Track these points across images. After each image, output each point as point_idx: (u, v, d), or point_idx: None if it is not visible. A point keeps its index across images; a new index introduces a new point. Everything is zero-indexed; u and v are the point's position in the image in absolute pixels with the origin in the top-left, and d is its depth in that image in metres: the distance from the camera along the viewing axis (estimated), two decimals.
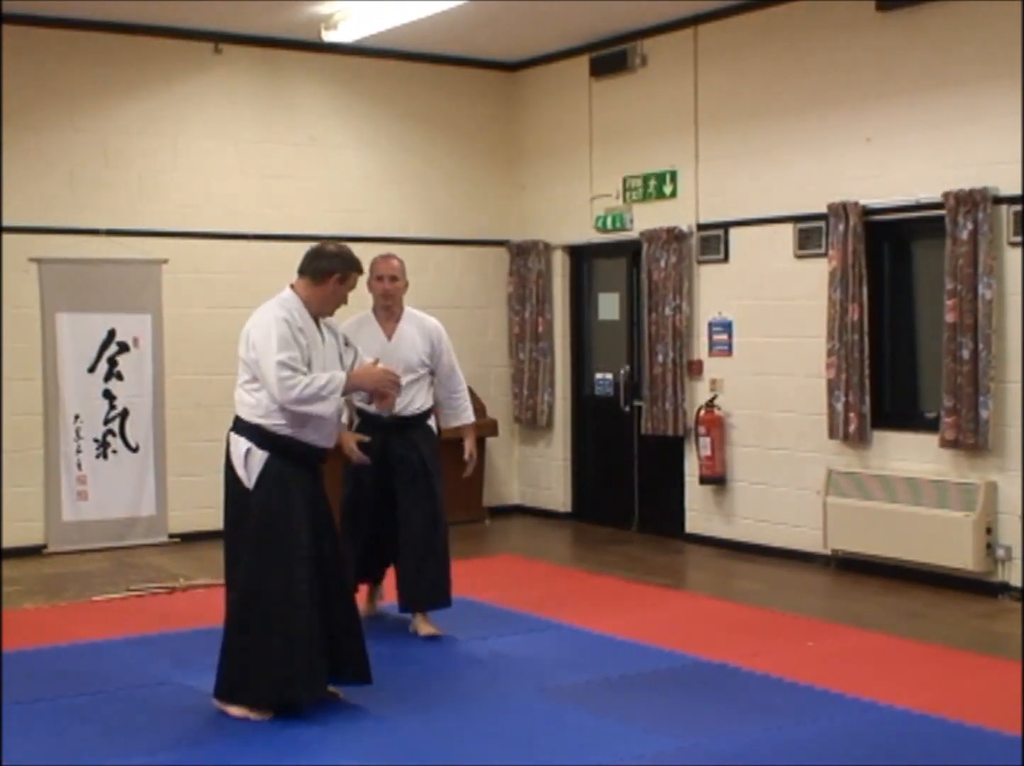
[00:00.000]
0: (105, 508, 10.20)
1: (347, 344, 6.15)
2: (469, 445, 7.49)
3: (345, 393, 5.86)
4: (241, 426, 5.84)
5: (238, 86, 10.81)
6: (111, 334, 10.22)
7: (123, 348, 10.26)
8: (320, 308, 5.96)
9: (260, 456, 5.77)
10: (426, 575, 7.23)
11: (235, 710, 5.78)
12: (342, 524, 7.03)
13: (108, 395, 10.22)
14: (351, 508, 7.37)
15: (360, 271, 6.09)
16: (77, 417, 10.09)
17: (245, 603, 5.77)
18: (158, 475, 10.42)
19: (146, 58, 10.40)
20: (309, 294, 5.92)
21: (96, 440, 10.18)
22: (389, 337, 7.26)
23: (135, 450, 10.31)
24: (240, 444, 5.81)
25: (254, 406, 5.80)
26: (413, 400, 7.23)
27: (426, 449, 7.29)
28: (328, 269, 5.93)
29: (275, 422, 5.77)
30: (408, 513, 7.24)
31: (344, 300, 6.05)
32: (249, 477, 5.79)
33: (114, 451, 10.23)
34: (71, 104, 10.17)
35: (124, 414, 10.27)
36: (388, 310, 7.29)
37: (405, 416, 7.21)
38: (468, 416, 7.51)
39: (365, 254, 11.02)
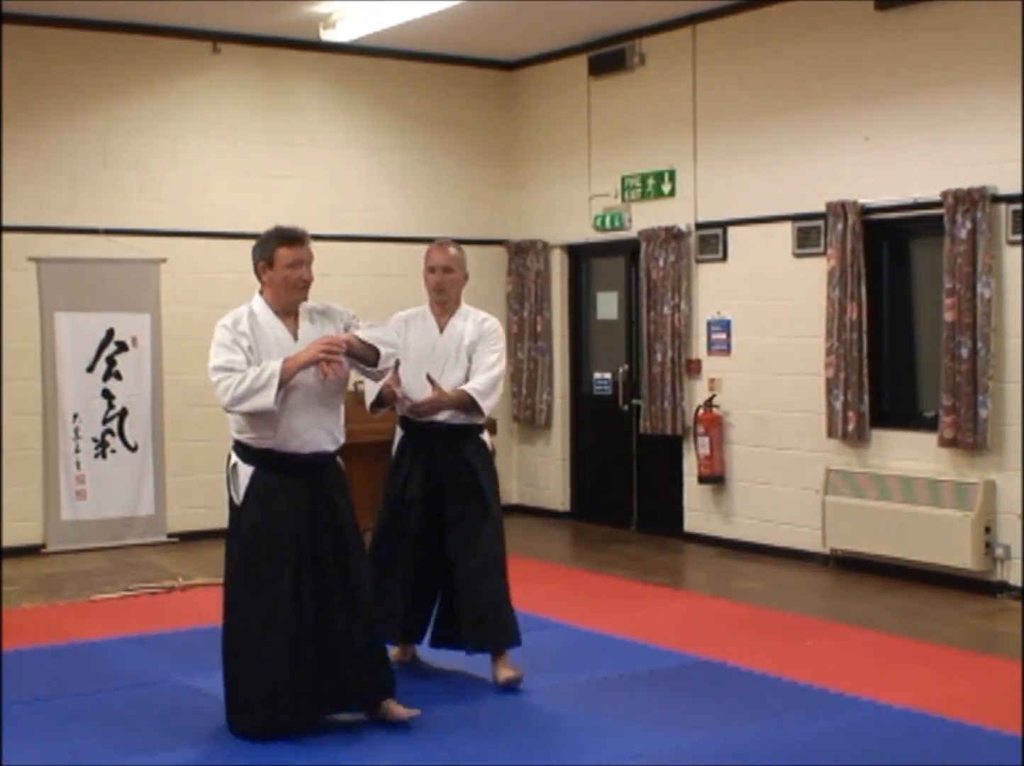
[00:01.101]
0: (104, 507, 10.19)
1: (348, 328, 5.66)
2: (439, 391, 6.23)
3: (285, 378, 5.35)
4: (233, 441, 5.66)
5: (237, 86, 10.81)
6: (110, 333, 10.22)
7: (122, 347, 10.26)
8: (278, 301, 5.58)
9: (246, 471, 5.56)
10: (495, 608, 6.29)
11: None
12: (372, 552, 6.20)
13: (107, 394, 10.21)
14: (386, 531, 6.41)
15: (284, 240, 5.57)
16: (76, 416, 10.09)
17: (229, 624, 5.58)
18: (157, 474, 10.42)
19: (145, 58, 10.40)
20: (266, 292, 5.64)
21: (95, 439, 10.17)
22: (441, 331, 6.42)
23: (134, 449, 10.31)
24: (230, 459, 5.64)
25: (232, 422, 5.61)
26: None
27: (479, 463, 6.36)
28: (256, 262, 5.64)
29: (250, 435, 5.53)
30: (465, 537, 6.28)
31: (294, 281, 5.53)
32: (237, 493, 5.58)
33: (113, 450, 10.22)
34: (70, 104, 10.17)
35: (123, 413, 10.27)
36: (441, 305, 6.44)
37: (454, 425, 6.32)
38: (457, 396, 6.25)
39: (363, 253, 11.22)
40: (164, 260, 10.43)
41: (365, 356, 5.55)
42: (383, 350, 5.60)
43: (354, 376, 5.85)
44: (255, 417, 5.45)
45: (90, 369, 10.16)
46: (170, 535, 10.46)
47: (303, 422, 5.51)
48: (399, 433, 6.48)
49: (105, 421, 10.20)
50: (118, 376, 10.25)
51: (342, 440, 5.73)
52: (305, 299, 5.64)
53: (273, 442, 5.50)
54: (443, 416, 6.25)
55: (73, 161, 10.18)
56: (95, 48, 10.20)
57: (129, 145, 10.37)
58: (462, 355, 6.35)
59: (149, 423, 10.39)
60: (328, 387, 5.53)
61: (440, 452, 6.34)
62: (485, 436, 6.55)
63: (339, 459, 5.75)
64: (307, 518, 5.54)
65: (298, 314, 5.64)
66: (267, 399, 5.32)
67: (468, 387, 6.24)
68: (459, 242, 11.06)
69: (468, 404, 6.25)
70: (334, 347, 5.38)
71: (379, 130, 11.47)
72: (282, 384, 5.35)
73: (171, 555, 9.95)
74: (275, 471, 5.53)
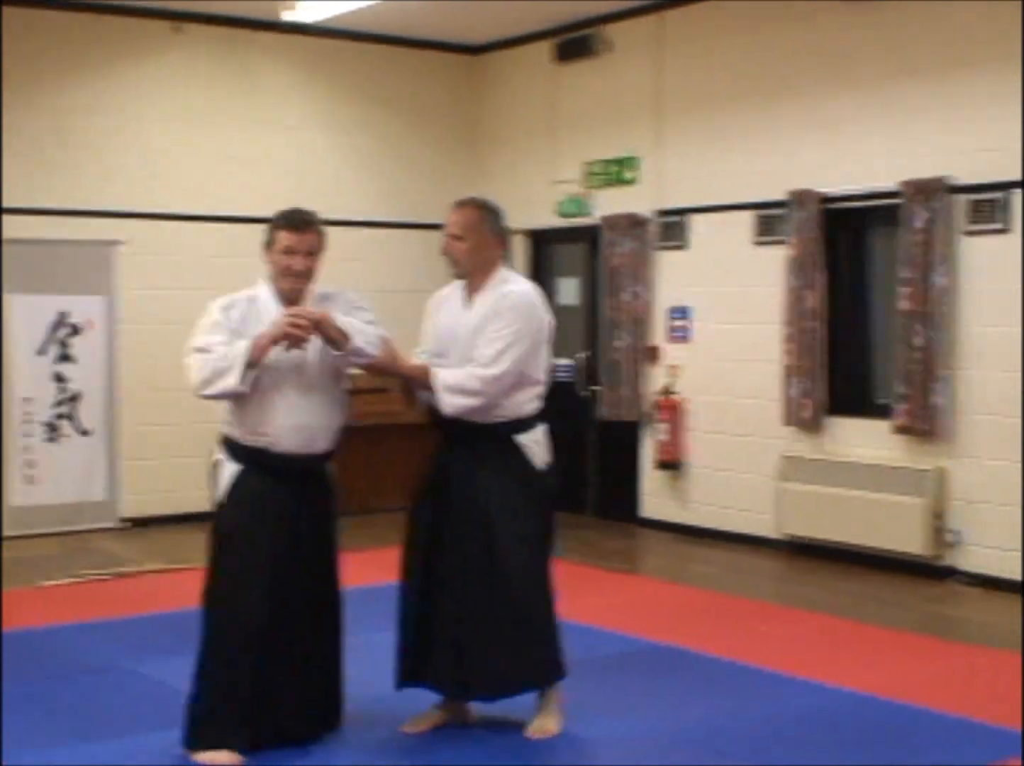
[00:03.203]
0: (55, 493, 10.07)
1: (360, 308, 5.25)
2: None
3: (255, 357, 4.93)
4: (220, 436, 5.26)
5: (197, 66, 10.74)
6: (62, 316, 10.08)
7: (76, 330, 10.14)
8: (277, 287, 5.18)
9: (230, 470, 5.15)
10: (484, 651, 5.28)
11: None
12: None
13: (59, 378, 10.09)
14: (403, 564, 5.49)
15: (284, 223, 5.15)
16: (27, 400, 9.97)
17: (203, 633, 5.18)
18: (110, 459, 10.31)
19: (104, 37, 10.32)
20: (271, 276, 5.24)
21: (46, 424, 10.05)
22: (468, 307, 5.38)
23: (87, 434, 10.20)
24: (215, 454, 5.24)
25: (222, 414, 5.22)
26: None
27: (496, 478, 5.26)
28: (264, 241, 5.25)
29: (240, 430, 5.14)
30: (453, 567, 5.30)
31: (282, 268, 5.13)
32: (219, 491, 5.18)
33: (65, 435, 10.11)
34: (28, 83, 10.06)
35: (76, 398, 10.16)
36: (463, 278, 5.42)
37: (475, 425, 5.27)
38: (418, 375, 5.29)
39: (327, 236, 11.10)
40: (122, 242, 10.35)
41: (336, 340, 5.02)
42: (356, 339, 5.02)
43: None
44: (246, 409, 5.07)
45: (41, 352, 10.03)
46: (123, 520, 10.37)
47: (296, 419, 5.09)
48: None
49: (57, 405, 10.09)
50: (71, 359, 10.12)
51: (337, 440, 5.27)
52: (299, 290, 5.16)
53: (263, 440, 5.09)
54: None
55: (31, 142, 10.08)
56: (53, 27, 10.10)
57: (88, 125, 10.29)
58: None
59: (103, 407, 10.27)
60: (326, 378, 5.15)
61: (457, 457, 5.34)
62: (528, 439, 5.35)
63: (330, 466, 5.34)
64: (290, 528, 5.13)
65: (305, 302, 5.17)
66: (231, 380, 4.90)
67: (437, 371, 5.23)
68: (421, 226, 10.62)
69: (428, 389, 5.25)
70: (300, 320, 4.92)
71: (341, 113, 11.44)
72: (252, 364, 4.93)
73: (123, 541, 9.86)
74: (262, 472, 5.12)
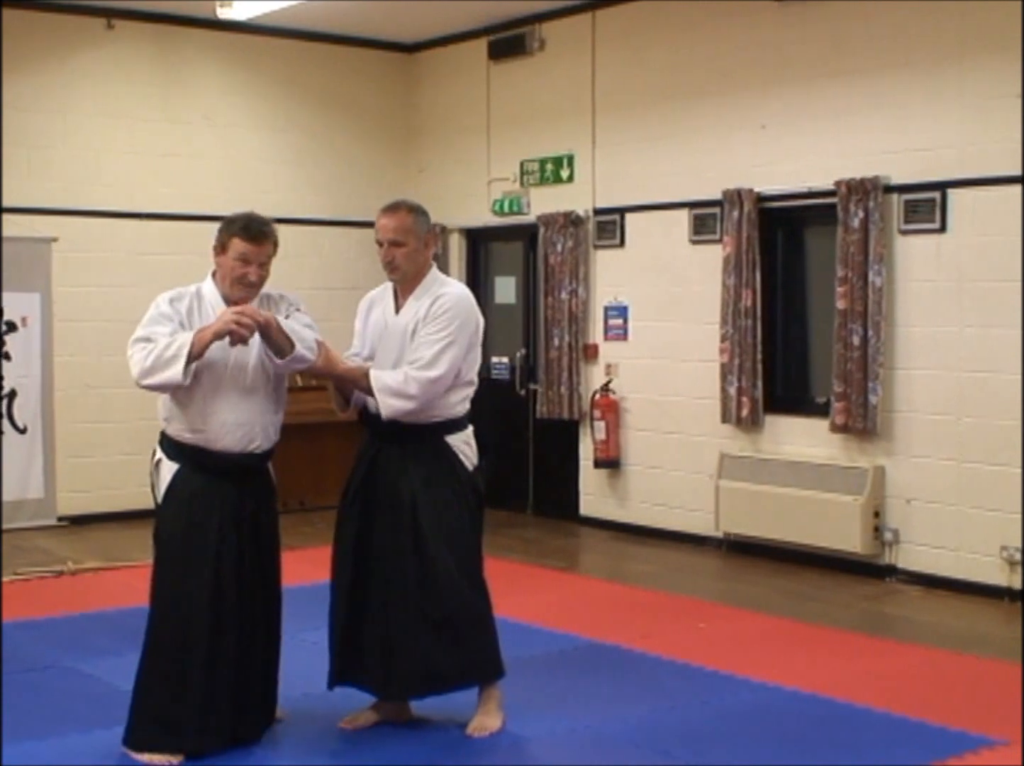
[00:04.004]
0: None
1: (288, 317, 5.15)
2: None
3: (196, 350, 4.85)
4: (160, 434, 5.19)
5: (131, 62, 10.64)
6: None
7: (11, 327, 10.03)
8: (224, 289, 5.11)
9: (169, 468, 5.09)
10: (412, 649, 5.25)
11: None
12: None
13: None
14: (332, 563, 5.47)
15: (242, 232, 5.06)
16: None
17: (148, 633, 5.12)
18: (46, 457, 10.21)
19: (36, 32, 10.19)
20: (218, 276, 5.17)
21: None
22: (397, 311, 5.37)
23: (23, 431, 10.10)
24: (155, 454, 5.17)
25: (161, 408, 5.14)
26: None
27: (426, 478, 5.25)
28: (215, 241, 5.16)
29: (178, 427, 5.07)
30: (382, 566, 5.28)
31: (237, 275, 5.05)
32: (158, 491, 5.13)
33: (1, 432, 10.02)
34: None
35: (11, 395, 10.05)
36: (400, 283, 5.37)
37: (405, 425, 5.25)
38: (355, 377, 5.24)
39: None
40: (55, 239, 10.23)
41: (280, 345, 4.97)
42: (298, 347, 4.99)
43: None
44: (185, 405, 5.01)
45: None
46: (60, 518, 10.29)
47: (236, 416, 5.04)
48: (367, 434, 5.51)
49: None
50: (7, 357, 10.01)
51: (276, 438, 5.23)
52: (248, 299, 5.10)
53: (202, 438, 5.03)
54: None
55: None
56: None
57: (19, 121, 10.15)
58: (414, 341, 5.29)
59: (39, 405, 10.18)
60: (265, 376, 5.09)
61: (384, 456, 5.31)
62: (458, 441, 5.36)
63: (269, 466, 5.29)
64: (231, 527, 5.07)
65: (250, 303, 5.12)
66: (175, 372, 4.81)
67: (376, 374, 5.19)
68: (356, 224, 10.55)
69: (366, 391, 5.23)
70: (245, 319, 4.86)
71: (276, 110, 11.37)
72: (194, 357, 4.86)
73: (61, 539, 9.78)
74: (201, 471, 5.06)
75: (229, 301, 5.09)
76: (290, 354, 5.00)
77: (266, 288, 5.24)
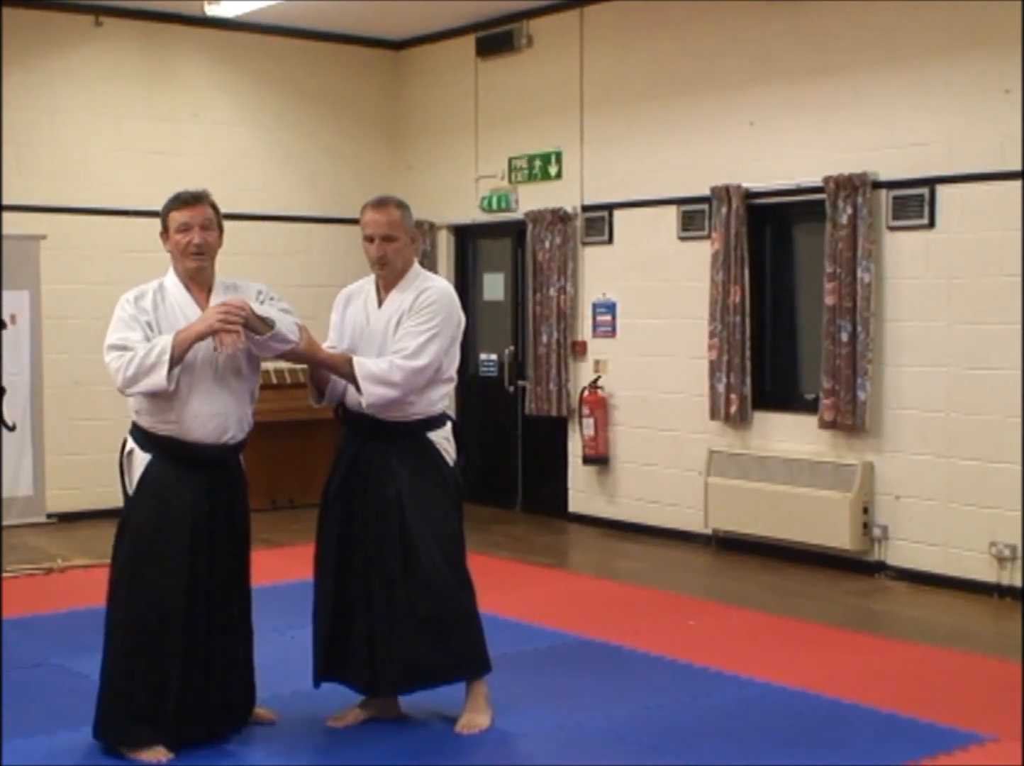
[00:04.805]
0: None
1: (271, 299, 5.16)
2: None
3: (178, 353, 4.85)
4: (131, 424, 5.17)
5: (119, 60, 10.63)
6: None
7: (0, 325, 10.04)
8: (183, 272, 5.11)
9: (141, 459, 5.06)
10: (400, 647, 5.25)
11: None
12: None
13: None
14: (316, 560, 5.48)
15: (174, 203, 5.11)
16: None
17: (112, 626, 5.10)
18: (36, 454, 10.22)
19: (24, 30, 10.16)
20: (174, 265, 5.17)
21: None
22: (380, 304, 5.37)
23: (12, 429, 10.10)
24: (126, 445, 5.14)
25: (131, 401, 5.10)
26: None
27: (409, 474, 5.25)
28: (160, 231, 5.20)
29: (150, 419, 5.04)
30: (367, 563, 5.28)
31: (183, 246, 5.04)
32: (131, 483, 5.10)
33: (6, 428, 10.00)
34: None
35: (0, 393, 10.04)
36: (386, 279, 5.36)
37: (388, 422, 5.26)
38: (338, 363, 5.22)
39: (249, 232, 11.06)
40: (44, 237, 10.23)
41: (255, 327, 4.95)
42: (278, 326, 4.98)
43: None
44: (156, 397, 4.96)
45: None
46: (49, 515, 10.30)
47: (210, 407, 5.02)
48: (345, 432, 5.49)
49: None
50: None
51: (249, 429, 5.22)
52: (203, 267, 5.10)
53: (175, 428, 5.00)
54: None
55: None
56: None
57: (8, 119, 10.13)
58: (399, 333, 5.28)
59: (28, 402, 10.18)
60: (239, 367, 5.08)
61: (367, 454, 5.30)
62: (440, 437, 5.38)
63: (240, 457, 5.27)
64: (204, 518, 5.06)
65: (212, 290, 5.14)
66: (159, 378, 4.82)
67: (360, 361, 5.16)
68: (344, 221, 10.55)
69: (348, 378, 5.21)
70: (231, 315, 4.85)
71: (265, 108, 11.36)
72: (175, 361, 4.85)
73: (50, 536, 9.79)
74: (173, 462, 5.04)
75: (189, 282, 5.10)
76: (270, 332, 4.98)
77: (231, 278, 5.24)
